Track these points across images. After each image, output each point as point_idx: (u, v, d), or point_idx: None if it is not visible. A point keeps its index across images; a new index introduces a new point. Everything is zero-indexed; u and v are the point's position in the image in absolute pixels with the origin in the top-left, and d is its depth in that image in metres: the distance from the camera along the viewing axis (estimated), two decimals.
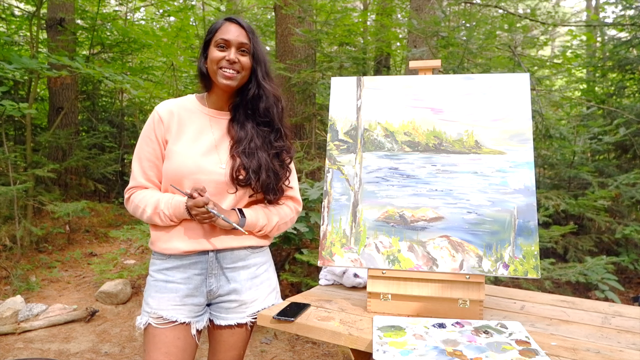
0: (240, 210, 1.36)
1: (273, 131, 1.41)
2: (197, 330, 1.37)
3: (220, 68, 1.32)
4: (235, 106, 1.40)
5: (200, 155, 1.34)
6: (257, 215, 1.39)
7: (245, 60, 1.34)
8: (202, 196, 1.25)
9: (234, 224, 1.29)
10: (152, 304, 1.34)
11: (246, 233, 1.34)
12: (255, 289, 1.41)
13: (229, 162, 1.35)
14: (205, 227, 1.34)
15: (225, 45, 1.32)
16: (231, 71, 1.32)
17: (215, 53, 1.32)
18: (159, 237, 1.36)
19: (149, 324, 1.33)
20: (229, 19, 1.36)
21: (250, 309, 1.40)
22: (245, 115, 1.39)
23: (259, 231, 1.40)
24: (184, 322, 1.34)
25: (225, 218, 1.28)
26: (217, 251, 1.36)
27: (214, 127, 1.39)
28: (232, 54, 1.32)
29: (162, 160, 1.37)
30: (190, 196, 1.27)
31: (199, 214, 1.26)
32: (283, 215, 1.46)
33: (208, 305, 1.42)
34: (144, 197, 1.34)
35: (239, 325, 1.40)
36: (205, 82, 1.40)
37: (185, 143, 1.34)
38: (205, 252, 1.35)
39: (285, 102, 1.46)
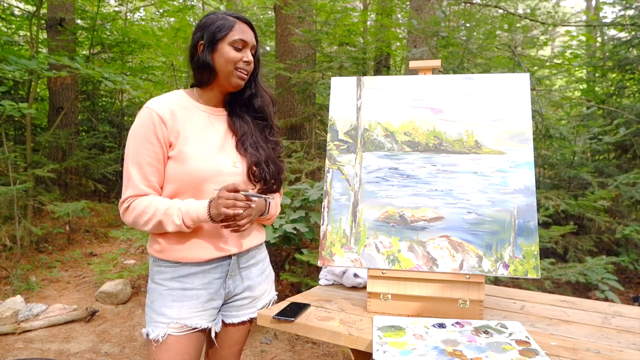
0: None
1: (267, 126, 1.44)
2: (216, 333, 1.37)
3: (237, 69, 1.30)
4: (230, 102, 1.40)
5: (214, 156, 1.30)
6: (272, 202, 1.44)
7: (253, 63, 1.35)
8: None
9: (267, 198, 1.30)
10: (171, 314, 1.27)
11: (271, 198, 1.36)
12: (264, 282, 1.47)
13: (242, 160, 1.35)
14: (224, 232, 1.31)
15: (242, 46, 1.31)
16: (245, 73, 1.32)
17: (232, 53, 1.28)
18: (171, 245, 1.29)
19: (169, 334, 1.26)
20: (241, 19, 1.32)
21: (260, 302, 1.45)
22: (240, 110, 1.40)
23: (268, 219, 1.46)
24: (206, 327, 1.32)
25: (260, 195, 1.26)
26: (239, 254, 1.37)
27: (215, 124, 1.35)
28: (249, 55, 1.32)
29: (164, 164, 1.28)
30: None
31: (227, 199, 1.18)
32: (279, 202, 1.53)
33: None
34: (151, 203, 1.24)
35: (250, 320, 1.44)
36: (207, 77, 1.32)
37: (194, 144, 1.28)
38: (228, 257, 1.34)
39: (274, 99, 1.49)
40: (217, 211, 1.20)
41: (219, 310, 1.40)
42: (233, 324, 1.41)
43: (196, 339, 1.31)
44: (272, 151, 1.42)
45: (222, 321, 1.41)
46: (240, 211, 1.22)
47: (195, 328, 1.29)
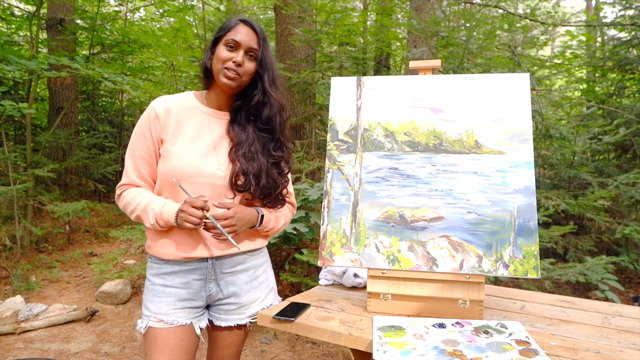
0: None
1: (273, 140, 1.40)
2: (201, 329, 1.37)
3: (225, 68, 1.29)
4: (236, 108, 1.38)
5: (199, 157, 1.31)
6: (270, 217, 1.41)
7: (251, 65, 1.32)
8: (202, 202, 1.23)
9: (229, 237, 1.27)
10: (152, 308, 1.33)
11: (238, 248, 1.32)
12: (254, 290, 1.42)
13: (228, 166, 1.33)
14: (204, 233, 1.31)
15: (234, 46, 1.30)
16: (234, 73, 1.29)
17: (223, 52, 1.30)
18: (155, 241, 1.34)
19: (150, 326, 1.32)
20: (244, 21, 1.34)
21: (250, 310, 1.41)
22: (246, 119, 1.37)
23: (266, 232, 1.43)
24: (186, 324, 1.33)
25: (221, 229, 1.25)
26: (216, 258, 1.35)
27: (212, 126, 1.36)
28: (240, 56, 1.29)
29: (156, 159, 1.33)
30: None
31: (190, 215, 1.21)
32: (286, 216, 1.49)
33: (207, 307, 1.42)
34: (137, 196, 1.31)
35: (238, 326, 1.41)
36: (207, 78, 1.37)
37: (183, 143, 1.31)
38: (204, 259, 1.34)
39: (289, 111, 1.43)
40: (181, 222, 1.24)
41: (206, 309, 1.41)
42: (220, 327, 1.41)
43: (186, 334, 1.32)
44: (272, 166, 1.38)
45: (211, 322, 1.42)
46: (190, 226, 1.22)
47: (172, 324, 1.31)
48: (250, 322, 1.42)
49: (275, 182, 1.38)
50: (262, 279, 1.45)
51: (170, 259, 1.32)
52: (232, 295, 1.38)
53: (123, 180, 1.36)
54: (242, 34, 1.31)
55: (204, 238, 1.32)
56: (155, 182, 1.36)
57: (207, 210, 1.24)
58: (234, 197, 1.34)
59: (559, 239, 3.52)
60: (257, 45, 1.33)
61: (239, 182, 1.32)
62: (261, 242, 1.45)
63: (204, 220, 1.24)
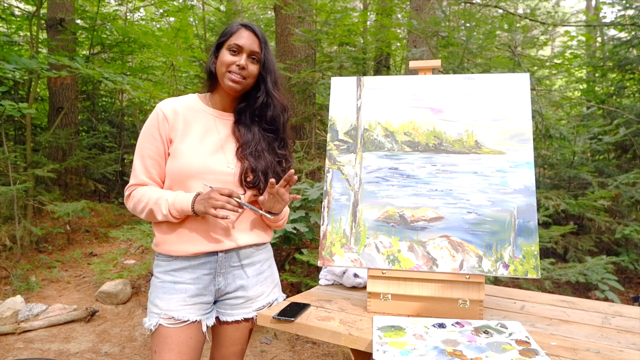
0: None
1: (277, 139, 1.45)
2: (207, 327, 1.38)
3: (229, 72, 1.34)
4: (240, 110, 1.42)
5: (208, 155, 1.34)
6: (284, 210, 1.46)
7: (254, 68, 1.37)
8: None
9: (263, 212, 1.32)
10: (162, 305, 1.33)
11: (271, 217, 1.36)
12: (261, 284, 1.45)
13: (237, 164, 1.37)
14: (213, 228, 1.34)
15: (237, 50, 1.35)
16: (238, 76, 1.34)
17: (226, 56, 1.34)
18: (164, 239, 1.35)
19: (160, 324, 1.32)
20: (245, 25, 1.38)
21: (256, 303, 1.43)
22: (251, 120, 1.42)
23: (277, 223, 1.47)
24: (195, 321, 1.34)
25: (253, 207, 1.31)
26: (225, 252, 1.37)
27: (218, 126, 1.40)
28: (242, 59, 1.34)
29: (165, 159, 1.36)
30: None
31: (217, 201, 1.23)
32: (287, 212, 1.54)
33: (214, 302, 1.43)
34: (146, 192, 1.33)
35: (245, 320, 1.43)
36: (211, 82, 1.41)
37: (191, 142, 1.34)
38: (214, 253, 1.35)
39: (290, 112, 1.48)
40: (203, 209, 1.25)
41: (214, 305, 1.42)
42: (227, 322, 1.42)
43: (194, 332, 1.33)
44: (277, 164, 1.43)
45: (218, 319, 1.43)
46: (226, 213, 1.25)
47: (184, 321, 1.32)
48: (257, 316, 1.43)
49: (280, 179, 1.41)
50: (268, 274, 1.48)
51: (180, 255, 1.34)
52: (240, 288, 1.40)
53: (132, 182, 1.37)
54: (244, 38, 1.35)
55: (213, 233, 1.34)
56: (164, 183, 1.38)
57: (238, 197, 1.27)
58: (244, 193, 1.37)
59: (559, 239, 3.53)
60: (258, 49, 1.37)
61: (249, 179, 1.37)
62: (267, 237, 1.48)
63: (231, 205, 1.25)
